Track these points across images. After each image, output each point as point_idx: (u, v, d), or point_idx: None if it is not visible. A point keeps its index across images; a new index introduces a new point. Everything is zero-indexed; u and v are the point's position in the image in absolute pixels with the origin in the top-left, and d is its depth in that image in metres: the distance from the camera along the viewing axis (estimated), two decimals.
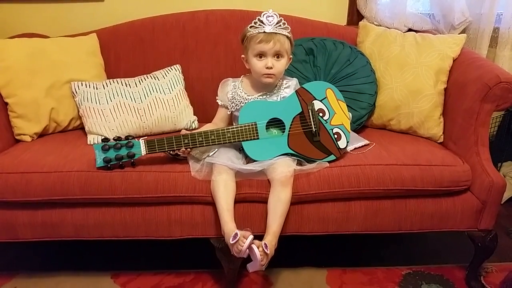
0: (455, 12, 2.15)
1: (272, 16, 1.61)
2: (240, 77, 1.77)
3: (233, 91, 1.72)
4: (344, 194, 1.60)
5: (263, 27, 1.60)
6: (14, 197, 1.57)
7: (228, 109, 1.73)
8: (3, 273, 1.82)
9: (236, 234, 1.43)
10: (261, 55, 1.62)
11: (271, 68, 1.62)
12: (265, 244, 1.44)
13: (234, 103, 1.71)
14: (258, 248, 1.43)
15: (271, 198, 1.55)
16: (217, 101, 1.76)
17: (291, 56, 1.69)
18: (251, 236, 1.44)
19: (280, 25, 1.61)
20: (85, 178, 1.56)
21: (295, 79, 1.78)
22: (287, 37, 1.63)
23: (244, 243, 1.42)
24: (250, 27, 1.62)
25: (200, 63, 2.08)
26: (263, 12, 1.61)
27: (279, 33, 1.60)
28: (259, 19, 1.61)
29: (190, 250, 1.93)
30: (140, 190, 1.57)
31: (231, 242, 1.43)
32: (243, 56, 1.70)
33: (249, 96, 1.70)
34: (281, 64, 1.64)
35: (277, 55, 1.63)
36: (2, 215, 1.62)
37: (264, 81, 1.66)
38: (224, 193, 1.53)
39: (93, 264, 1.88)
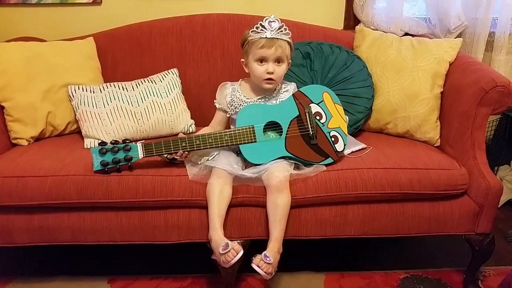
0: (451, 16, 2.16)
1: (274, 21, 1.60)
2: (238, 80, 1.77)
3: (232, 94, 1.72)
4: (341, 198, 1.60)
5: (265, 32, 1.59)
6: (10, 201, 1.56)
7: (227, 112, 1.73)
8: None
9: (227, 244, 1.44)
10: (262, 60, 1.62)
11: (272, 73, 1.62)
12: (265, 255, 1.44)
13: (233, 106, 1.70)
14: (258, 264, 1.43)
15: (269, 204, 1.54)
16: (215, 104, 1.76)
17: (290, 61, 1.69)
18: (242, 252, 1.46)
19: (281, 31, 1.61)
20: (82, 182, 1.56)
21: (294, 83, 1.78)
22: (288, 42, 1.63)
23: (234, 257, 1.44)
24: (252, 31, 1.61)
25: (197, 67, 2.09)
26: (260, 16, 1.61)
27: (281, 39, 1.60)
28: (261, 24, 1.60)
29: (188, 254, 1.92)
30: (137, 194, 1.57)
31: (221, 252, 1.44)
32: (242, 60, 1.69)
33: (248, 99, 1.70)
34: (281, 69, 1.65)
35: (278, 60, 1.63)
36: None
37: (264, 86, 1.66)
38: (219, 198, 1.53)
39: (90, 269, 1.87)
